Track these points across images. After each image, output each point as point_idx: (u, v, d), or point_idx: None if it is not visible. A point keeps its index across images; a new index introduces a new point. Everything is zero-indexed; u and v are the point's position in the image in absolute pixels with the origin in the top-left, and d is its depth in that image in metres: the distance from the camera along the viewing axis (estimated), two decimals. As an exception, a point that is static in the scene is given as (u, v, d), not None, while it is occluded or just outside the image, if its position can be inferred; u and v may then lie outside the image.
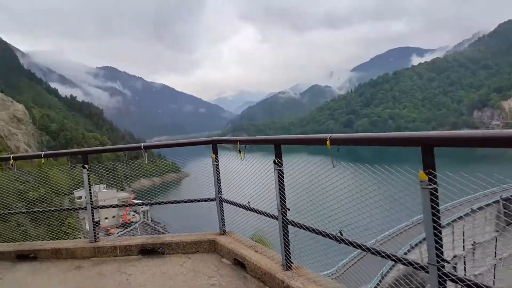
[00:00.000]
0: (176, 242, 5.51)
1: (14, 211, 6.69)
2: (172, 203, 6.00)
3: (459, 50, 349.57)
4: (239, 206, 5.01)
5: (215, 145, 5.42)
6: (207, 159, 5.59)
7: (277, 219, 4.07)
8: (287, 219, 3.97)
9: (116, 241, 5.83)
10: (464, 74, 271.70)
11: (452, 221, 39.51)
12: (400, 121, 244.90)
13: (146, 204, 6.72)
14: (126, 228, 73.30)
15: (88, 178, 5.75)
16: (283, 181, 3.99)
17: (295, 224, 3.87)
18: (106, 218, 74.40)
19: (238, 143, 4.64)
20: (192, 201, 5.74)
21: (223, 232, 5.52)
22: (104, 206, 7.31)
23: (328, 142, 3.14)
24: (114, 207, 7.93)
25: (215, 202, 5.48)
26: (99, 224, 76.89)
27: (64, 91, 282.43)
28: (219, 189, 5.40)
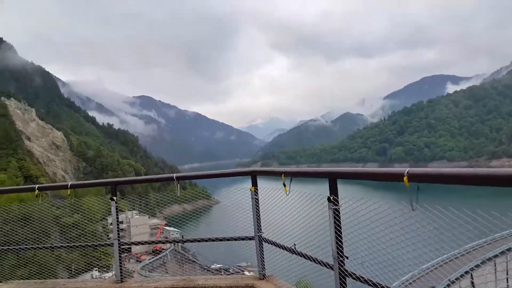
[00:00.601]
0: (210, 286, 4.88)
1: (50, 245, 6.35)
2: (206, 241, 5.44)
3: (497, 77, 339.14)
4: (282, 248, 4.35)
5: (254, 177, 4.82)
6: (238, 186, 5.12)
7: (332, 268, 3.36)
8: (346, 270, 3.25)
9: (144, 282, 5.26)
10: (503, 102, 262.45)
11: (494, 256, 37.06)
12: (436, 150, 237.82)
13: (177, 242, 6.19)
14: (157, 255, 73.34)
15: (116, 211, 5.28)
16: (340, 222, 3.29)
17: (357, 278, 3.12)
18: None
19: (283, 175, 3.98)
20: (228, 239, 5.13)
21: (262, 277, 4.82)
22: (133, 243, 6.97)
23: (405, 178, 2.45)
24: (144, 243, 7.46)
25: (253, 240, 4.85)
26: (130, 250, 77.57)
27: (101, 119, 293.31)
28: (258, 227, 4.75)
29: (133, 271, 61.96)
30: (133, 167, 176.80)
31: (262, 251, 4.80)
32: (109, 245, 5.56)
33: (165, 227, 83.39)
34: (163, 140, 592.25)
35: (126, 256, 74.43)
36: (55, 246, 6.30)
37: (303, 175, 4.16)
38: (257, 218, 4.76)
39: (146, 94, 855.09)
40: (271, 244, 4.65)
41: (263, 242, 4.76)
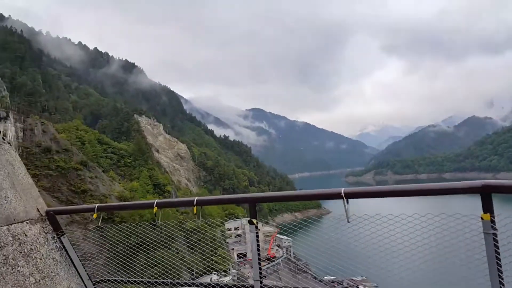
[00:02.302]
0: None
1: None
2: None
3: None
4: None
5: (487, 196, 2.96)
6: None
7: None
8: None
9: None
10: None
11: None
12: None
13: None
14: (270, 262, 75.12)
15: (257, 240, 4.03)
16: None
17: None
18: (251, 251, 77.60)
19: None
20: None
21: None
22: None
23: None
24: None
25: None
26: (245, 255, 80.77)
27: (218, 131, 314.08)
28: (501, 283, 2.98)
29: (248, 277, 64.40)
30: (247, 176, 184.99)
31: None
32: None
33: (278, 235, 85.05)
34: (274, 150, 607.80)
35: (242, 261, 77.91)
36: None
37: None
38: (497, 266, 3.01)
39: (257, 107, 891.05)
40: None
41: None
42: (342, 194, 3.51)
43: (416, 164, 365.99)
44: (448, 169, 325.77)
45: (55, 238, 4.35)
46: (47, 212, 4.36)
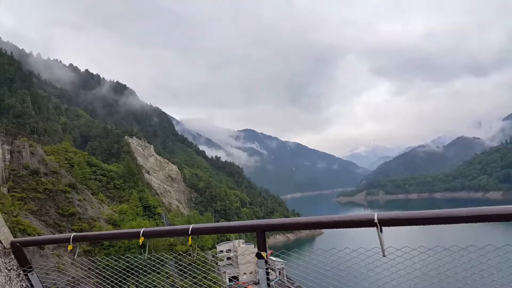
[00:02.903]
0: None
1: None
2: None
3: None
4: None
5: None
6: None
7: None
8: None
9: None
10: None
11: None
12: None
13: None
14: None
15: (267, 278, 3.40)
16: None
17: None
18: (244, 274, 76.21)
19: None
20: None
21: None
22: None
23: None
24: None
25: None
26: (237, 278, 79.13)
27: (210, 152, 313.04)
28: None
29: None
30: (239, 197, 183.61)
31: None
32: None
33: (270, 257, 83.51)
34: (266, 171, 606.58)
35: (233, 285, 76.27)
36: None
37: None
38: None
39: (249, 128, 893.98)
40: None
41: None
42: (376, 221, 2.78)
43: (407, 184, 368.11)
44: (439, 189, 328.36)
45: (20, 275, 3.64)
46: (12, 244, 3.64)
